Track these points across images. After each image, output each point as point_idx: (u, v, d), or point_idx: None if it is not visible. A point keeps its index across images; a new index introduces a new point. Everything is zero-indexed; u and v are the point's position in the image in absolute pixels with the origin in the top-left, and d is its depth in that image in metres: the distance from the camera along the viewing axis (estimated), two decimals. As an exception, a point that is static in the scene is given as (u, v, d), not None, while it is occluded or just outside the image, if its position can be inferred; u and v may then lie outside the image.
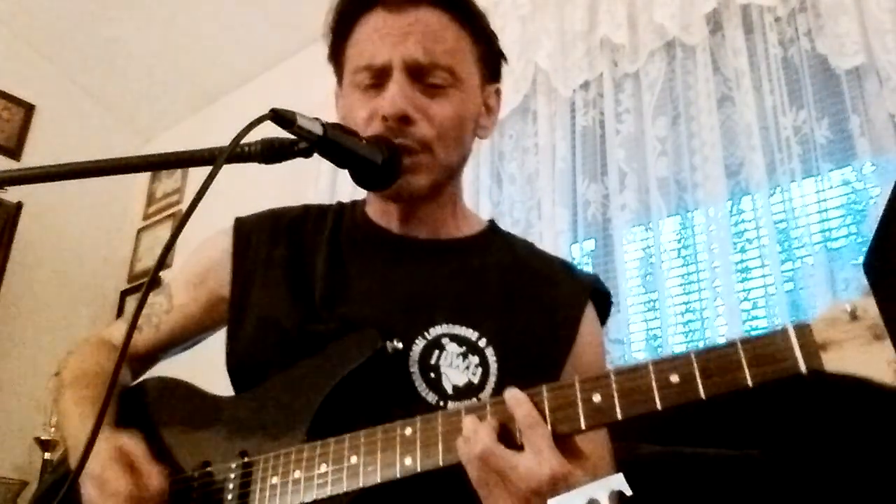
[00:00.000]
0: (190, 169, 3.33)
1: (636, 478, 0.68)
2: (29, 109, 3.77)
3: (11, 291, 3.45)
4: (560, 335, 1.04)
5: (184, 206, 3.72)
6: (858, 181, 1.88)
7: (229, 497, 0.93)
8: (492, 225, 1.20)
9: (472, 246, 1.13)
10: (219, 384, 1.07)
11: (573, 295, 1.08)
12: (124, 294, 3.81)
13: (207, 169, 0.80)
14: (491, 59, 1.14)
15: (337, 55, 1.12)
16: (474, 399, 0.95)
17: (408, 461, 0.82)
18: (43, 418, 3.20)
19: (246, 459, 0.94)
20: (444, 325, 1.00)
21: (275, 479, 0.90)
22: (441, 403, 0.95)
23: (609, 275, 2.11)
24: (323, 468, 0.87)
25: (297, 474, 0.88)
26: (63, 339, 3.38)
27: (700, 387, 0.73)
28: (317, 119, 0.90)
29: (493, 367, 0.98)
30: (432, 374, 0.97)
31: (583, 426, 0.78)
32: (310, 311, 1.04)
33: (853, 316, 0.69)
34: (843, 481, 1.12)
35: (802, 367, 0.70)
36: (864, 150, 1.80)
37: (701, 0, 2.13)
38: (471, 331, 1.00)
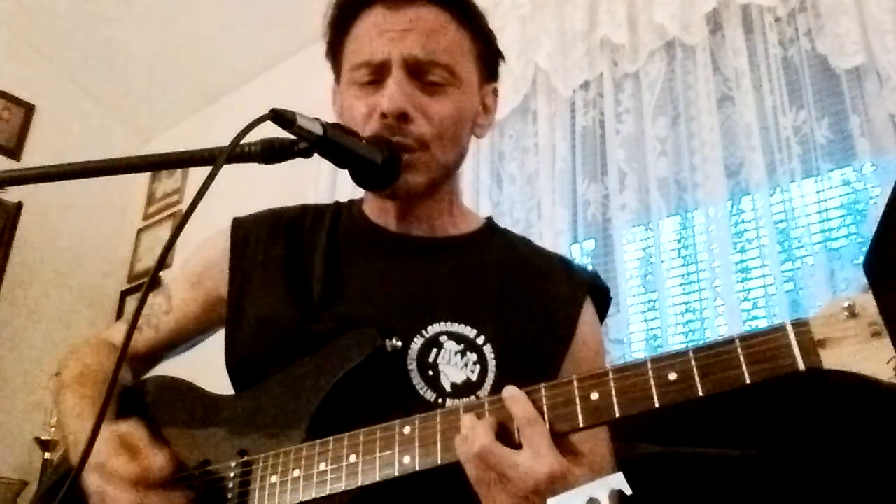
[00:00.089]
0: (190, 169, 3.33)
1: (636, 478, 0.68)
2: (29, 109, 3.77)
3: (11, 292, 3.45)
4: (558, 332, 1.04)
5: (184, 206, 3.72)
6: (858, 181, 1.89)
7: (229, 496, 0.93)
8: (489, 222, 1.20)
9: (470, 243, 1.13)
10: (219, 384, 1.07)
11: (571, 291, 1.08)
12: (124, 294, 3.81)
13: (207, 169, 0.80)
14: (489, 58, 1.14)
15: (335, 51, 1.12)
16: (473, 397, 0.95)
17: (406, 460, 0.83)
18: (43, 418, 3.20)
19: (245, 458, 0.94)
20: (442, 323, 1.00)
21: (274, 478, 0.90)
22: (439, 401, 0.96)
23: (609, 275, 2.11)
24: (322, 467, 0.87)
25: (297, 473, 0.88)
26: (63, 339, 3.39)
27: (698, 385, 0.73)
28: (317, 119, 0.90)
29: (492, 364, 0.98)
30: (431, 372, 0.97)
31: (581, 424, 0.78)
32: (308, 311, 1.04)
33: (852, 313, 0.69)
34: (843, 480, 1.12)
35: (801, 365, 0.70)
36: (864, 150, 1.80)
37: (701, 0, 2.13)
38: (469, 328, 1.00)
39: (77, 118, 3.89)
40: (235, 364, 1.08)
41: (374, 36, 1.04)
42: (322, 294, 1.05)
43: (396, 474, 0.83)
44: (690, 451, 1.29)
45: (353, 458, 0.85)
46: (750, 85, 2.01)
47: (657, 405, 0.74)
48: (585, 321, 1.06)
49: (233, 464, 0.94)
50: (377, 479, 0.84)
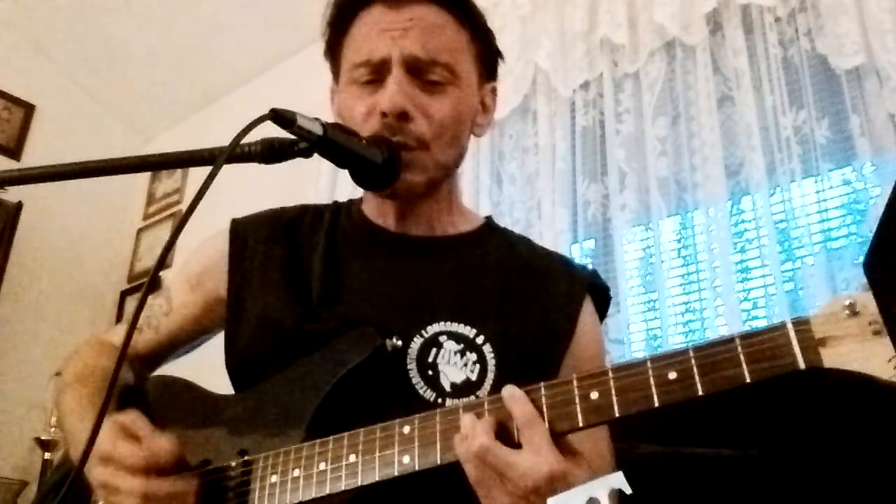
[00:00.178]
0: (190, 169, 3.33)
1: (636, 478, 0.68)
2: (29, 109, 3.77)
3: (11, 292, 3.45)
4: (558, 331, 1.04)
5: (184, 206, 3.72)
6: (858, 181, 1.88)
7: (229, 495, 0.93)
8: (489, 221, 1.20)
9: (469, 243, 1.13)
10: (219, 384, 1.07)
11: (571, 290, 1.08)
12: (124, 294, 3.81)
13: (207, 169, 0.80)
14: (488, 57, 1.14)
15: (334, 51, 1.12)
16: (472, 396, 0.95)
17: (406, 460, 0.83)
18: (43, 418, 3.21)
19: (246, 458, 0.94)
20: (442, 323, 1.00)
21: (274, 478, 0.90)
22: (439, 401, 0.96)
23: (609, 275, 2.11)
24: (322, 466, 0.87)
25: (297, 473, 0.88)
26: (63, 339, 3.39)
27: (698, 384, 0.73)
28: (317, 119, 0.90)
29: (491, 364, 0.98)
30: (430, 372, 0.97)
31: (581, 424, 0.78)
32: (308, 311, 1.04)
33: (853, 311, 0.69)
34: (843, 479, 1.12)
35: (801, 364, 0.69)
36: (864, 150, 1.80)
37: (701, 0, 2.13)
38: (468, 328, 1.00)
39: (77, 118, 3.89)
40: (235, 364, 1.08)
41: (373, 35, 1.04)
42: (321, 294, 1.05)
43: (396, 474, 0.83)
44: (690, 451, 1.29)
45: (352, 457, 0.86)
46: (750, 85, 2.01)
47: (657, 404, 0.74)
48: (585, 320, 1.06)
49: (233, 463, 0.94)
50: (377, 478, 0.84)
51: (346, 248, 1.12)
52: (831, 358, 0.69)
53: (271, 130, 0.86)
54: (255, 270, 1.11)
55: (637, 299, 2.15)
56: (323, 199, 2.64)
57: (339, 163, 0.97)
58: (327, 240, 1.12)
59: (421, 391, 0.96)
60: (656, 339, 2.07)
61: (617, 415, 0.76)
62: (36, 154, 3.68)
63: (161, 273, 2.67)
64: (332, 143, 0.91)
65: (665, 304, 2.04)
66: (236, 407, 1.02)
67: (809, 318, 0.71)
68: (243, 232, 1.16)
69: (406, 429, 0.84)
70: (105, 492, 0.90)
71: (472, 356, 0.98)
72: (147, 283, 0.81)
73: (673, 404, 0.74)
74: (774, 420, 1.22)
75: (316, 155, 0.91)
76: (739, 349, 0.72)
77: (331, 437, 0.88)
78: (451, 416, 0.82)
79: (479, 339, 0.99)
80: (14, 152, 3.67)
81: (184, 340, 1.20)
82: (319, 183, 2.81)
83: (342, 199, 1.25)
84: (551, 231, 2.26)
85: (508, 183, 2.46)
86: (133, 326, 0.81)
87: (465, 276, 1.06)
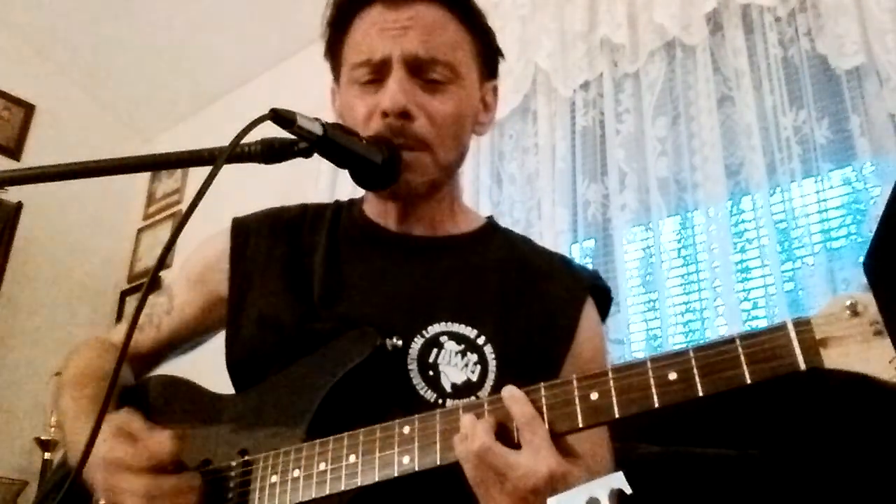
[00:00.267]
0: (190, 169, 3.33)
1: (636, 478, 0.68)
2: (29, 109, 3.77)
3: (11, 291, 3.45)
4: (559, 332, 1.04)
5: (184, 206, 3.72)
6: (858, 181, 1.88)
7: (229, 495, 0.93)
8: (490, 221, 1.20)
9: (471, 243, 1.13)
10: (219, 383, 1.07)
11: (572, 291, 1.08)
12: (124, 294, 3.81)
13: (207, 169, 0.80)
14: (489, 55, 1.14)
15: (334, 51, 1.12)
16: (473, 397, 0.95)
17: (406, 460, 0.82)
18: (43, 418, 3.20)
19: (246, 458, 0.94)
20: (443, 323, 1.00)
21: (274, 478, 0.90)
22: (440, 401, 0.95)
23: (609, 275, 2.11)
24: (322, 467, 0.87)
25: (297, 473, 0.88)
26: (63, 339, 3.38)
27: (698, 384, 0.73)
28: (317, 119, 0.90)
29: (492, 364, 0.98)
30: (431, 373, 0.97)
31: (580, 424, 0.77)
32: (309, 310, 1.04)
33: (854, 312, 0.69)
34: (843, 480, 1.12)
35: (802, 365, 0.69)
36: (864, 150, 1.80)
37: (701, 0, 2.13)
38: (469, 328, 1.00)
39: (77, 118, 3.89)
40: (236, 363, 1.08)
41: (373, 34, 1.04)
42: (322, 293, 1.05)
43: (396, 474, 0.83)
44: (690, 451, 1.29)
45: (352, 458, 0.85)
46: (750, 85, 2.01)
47: (657, 405, 0.74)
48: (587, 321, 1.06)
49: (233, 463, 0.94)
50: (376, 479, 0.84)
51: (347, 248, 1.12)
52: (832, 358, 0.69)
53: (271, 130, 0.86)
54: (257, 270, 1.11)
55: (637, 299, 2.15)
56: (323, 199, 2.64)
57: (339, 163, 0.97)
58: (328, 239, 1.12)
59: (421, 392, 0.96)
60: (656, 339, 2.07)
61: (617, 415, 0.76)
62: (36, 154, 3.68)
63: (161, 273, 2.67)
64: (332, 143, 0.91)
65: (665, 304, 2.04)
66: (236, 407, 1.02)
67: (810, 318, 0.71)
68: (245, 231, 1.16)
69: (406, 429, 0.84)
70: (108, 494, 0.90)
71: (473, 357, 0.98)
72: (147, 283, 0.81)
73: (673, 405, 0.74)
74: (775, 420, 1.22)
75: (316, 155, 0.91)
76: (740, 350, 0.72)
77: (331, 438, 0.88)
78: (451, 416, 0.82)
79: (480, 340, 0.99)
80: (14, 152, 3.66)
81: (185, 339, 1.20)
82: (319, 183, 2.81)
83: (342, 199, 1.25)
84: (551, 231, 2.26)
85: (508, 183, 2.46)
86: (132, 327, 0.81)
87: (466, 276, 1.06)
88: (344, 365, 0.94)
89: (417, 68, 1.03)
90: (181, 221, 0.79)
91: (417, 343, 0.99)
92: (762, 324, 1.94)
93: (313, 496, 0.86)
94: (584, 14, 2.36)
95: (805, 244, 1.86)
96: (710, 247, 2.00)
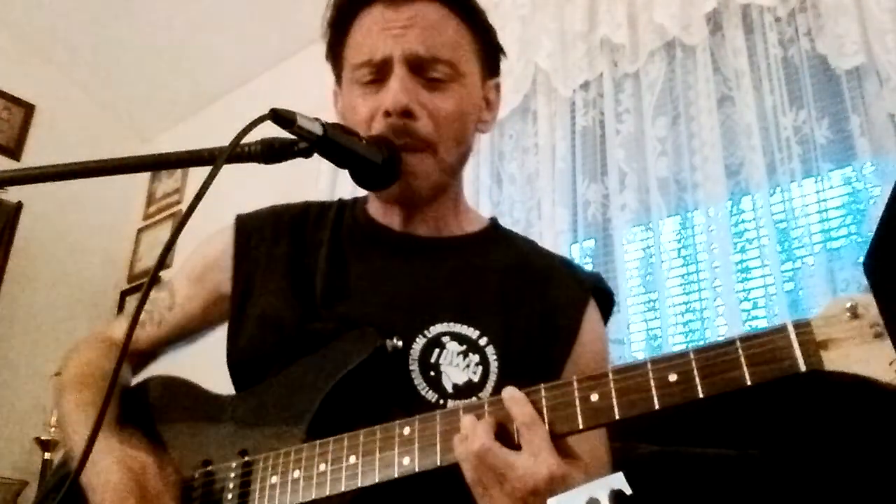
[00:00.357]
0: (190, 169, 3.33)
1: (636, 478, 0.68)
2: (29, 109, 3.77)
3: (11, 291, 3.45)
4: (561, 333, 1.03)
5: (184, 206, 3.72)
6: (858, 181, 1.88)
7: (229, 496, 0.93)
8: (493, 223, 1.20)
9: (474, 244, 1.13)
10: (219, 383, 1.07)
11: (575, 293, 1.07)
12: (124, 294, 3.81)
13: (207, 169, 0.80)
14: (490, 52, 1.14)
15: (335, 53, 1.12)
16: (474, 398, 0.95)
17: (406, 461, 0.82)
18: (43, 418, 3.20)
19: (246, 459, 0.94)
20: (445, 324, 1.00)
21: (274, 479, 0.90)
22: (441, 402, 0.95)
23: (609, 275, 2.11)
24: (322, 468, 0.87)
25: (297, 474, 0.88)
26: (63, 339, 3.37)
27: (699, 386, 0.73)
28: (317, 119, 0.90)
29: (494, 365, 0.97)
30: (432, 373, 0.97)
31: (581, 426, 0.77)
32: (310, 310, 1.04)
33: (854, 314, 0.69)
34: (843, 481, 1.12)
35: (802, 366, 0.69)
36: (864, 150, 1.80)
37: (701, 0, 2.13)
38: (471, 329, 0.99)
39: (77, 118, 3.89)
40: (237, 363, 1.08)
41: (374, 34, 1.04)
42: (325, 292, 1.05)
43: (396, 475, 0.83)
44: (690, 451, 1.29)
45: (352, 459, 0.85)
46: (750, 85, 2.01)
47: (657, 406, 0.74)
48: (589, 324, 1.06)
49: (233, 464, 0.94)
50: (377, 480, 0.84)
51: (350, 247, 1.12)
52: (832, 360, 0.69)
53: (271, 130, 0.86)
54: (259, 269, 1.11)
55: (637, 299, 2.15)
56: (323, 198, 2.64)
57: (339, 163, 0.97)
58: (332, 238, 1.12)
59: (423, 392, 0.96)
60: (656, 340, 2.07)
61: (617, 417, 0.76)
62: (36, 154, 3.68)
63: (161, 273, 2.67)
64: (332, 143, 0.91)
65: (665, 304, 2.04)
66: (237, 407, 1.02)
67: (810, 320, 0.71)
68: (248, 229, 1.16)
69: (406, 430, 0.84)
70: None
71: (475, 357, 0.98)
72: (147, 283, 0.81)
73: (673, 406, 0.74)
74: (775, 421, 1.22)
75: (316, 155, 0.91)
76: (740, 351, 0.72)
77: (331, 439, 0.88)
78: (451, 417, 0.82)
79: (482, 341, 0.99)
80: (14, 152, 3.66)
81: (185, 335, 1.20)
82: (319, 183, 2.81)
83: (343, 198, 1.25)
84: (551, 231, 2.26)
85: (508, 183, 2.46)
86: (132, 328, 0.81)
87: (469, 276, 1.06)
88: (344, 366, 0.93)
89: (419, 67, 1.02)
90: (181, 221, 0.79)
91: (419, 343, 0.99)
92: (762, 324, 1.94)
93: (313, 497, 0.86)
94: (584, 14, 2.36)
95: (805, 244, 1.86)
96: (710, 247, 2.00)
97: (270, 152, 0.87)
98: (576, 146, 2.34)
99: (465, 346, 0.98)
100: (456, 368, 0.97)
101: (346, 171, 0.99)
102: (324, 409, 0.92)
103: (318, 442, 0.89)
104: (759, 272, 1.95)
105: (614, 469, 0.70)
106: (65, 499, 0.86)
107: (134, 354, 1.18)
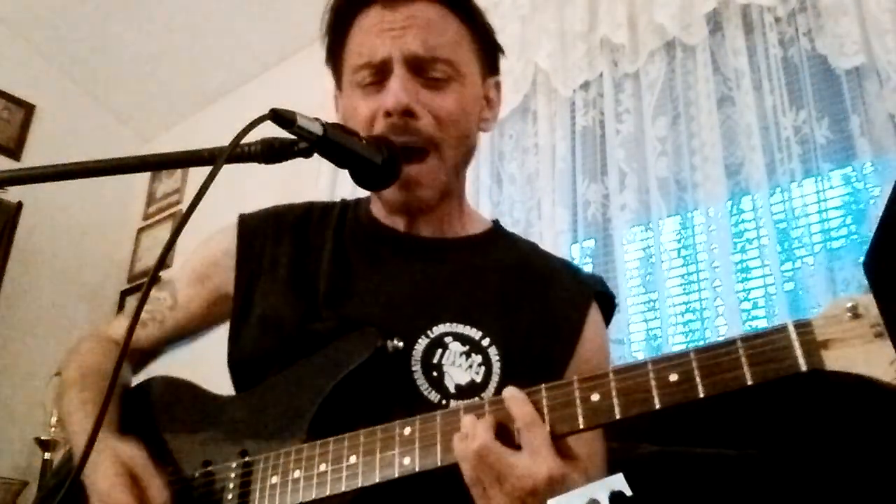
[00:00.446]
0: (190, 169, 3.33)
1: (636, 478, 0.68)
2: (29, 109, 3.77)
3: (11, 291, 3.45)
4: (563, 335, 1.04)
5: (184, 206, 3.72)
6: (858, 181, 1.88)
7: (229, 497, 0.93)
8: (496, 225, 1.20)
9: (477, 245, 1.13)
10: (219, 383, 1.07)
11: (577, 296, 1.08)
12: (124, 294, 3.81)
13: (207, 169, 0.80)
14: (489, 51, 1.14)
15: (335, 57, 1.12)
16: (477, 398, 0.95)
17: (406, 461, 0.82)
18: (43, 418, 3.20)
19: (246, 459, 0.94)
20: (448, 324, 1.00)
21: (275, 479, 0.90)
22: (443, 402, 0.95)
23: (609, 275, 2.11)
24: (322, 468, 0.87)
25: (297, 474, 0.88)
26: (63, 339, 3.38)
27: (699, 386, 0.73)
28: (317, 119, 0.90)
29: (496, 366, 0.98)
30: (435, 373, 0.97)
31: (581, 426, 0.77)
32: (312, 310, 1.04)
33: (855, 314, 0.69)
34: (843, 481, 1.12)
35: (803, 366, 0.69)
36: (864, 150, 1.80)
37: (701, 0, 2.13)
38: (474, 330, 1.00)
39: (77, 118, 3.89)
40: (237, 363, 1.08)
41: (373, 36, 1.04)
42: (328, 292, 1.05)
43: (396, 475, 0.83)
44: (690, 451, 1.29)
45: (353, 458, 0.85)
46: (750, 85, 2.01)
47: (658, 406, 0.74)
48: (591, 326, 1.06)
49: (234, 464, 0.94)
50: (377, 480, 0.84)
51: (354, 248, 1.12)
52: (833, 360, 0.69)
53: (271, 130, 0.86)
54: (262, 269, 1.11)
55: (637, 299, 2.15)
56: (323, 199, 2.64)
57: (339, 163, 0.97)
58: (335, 239, 1.12)
59: (425, 392, 0.96)
60: (656, 339, 2.07)
61: (618, 417, 0.76)
62: (36, 154, 3.68)
63: (161, 273, 2.67)
64: (332, 143, 0.91)
65: (665, 304, 2.04)
66: (237, 408, 1.02)
67: (811, 320, 0.71)
68: (251, 229, 1.16)
69: (407, 430, 0.84)
70: None
71: (478, 358, 0.98)
72: (147, 283, 0.81)
73: (673, 406, 0.74)
74: (776, 421, 1.22)
75: (316, 155, 0.91)
76: (741, 351, 0.72)
77: (331, 439, 0.88)
78: (452, 417, 0.82)
79: (485, 342, 0.99)
80: (14, 152, 3.66)
81: (186, 334, 1.20)
82: (319, 183, 2.81)
83: (344, 198, 1.25)
84: (551, 231, 2.26)
85: (508, 183, 2.46)
86: (132, 328, 0.81)
87: (471, 278, 1.06)
88: (345, 366, 0.94)
89: (419, 67, 1.02)
90: (181, 221, 0.79)
91: (422, 344, 0.99)
92: (762, 324, 1.94)
93: (314, 497, 0.87)
94: (584, 14, 2.36)
95: (805, 244, 1.86)
96: (710, 247, 2.00)
97: (270, 152, 0.87)
98: (576, 146, 2.34)
99: (467, 347, 0.98)
100: (458, 369, 0.97)
101: (346, 171, 0.99)
102: (324, 409, 0.92)
103: (318, 442, 0.89)
104: (759, 272, 1.95)
105: (614, 469, 0.70)
106: (65, 498, 0.86)
107: (135, 353, 1.18)
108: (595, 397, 0.77)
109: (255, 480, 0.92)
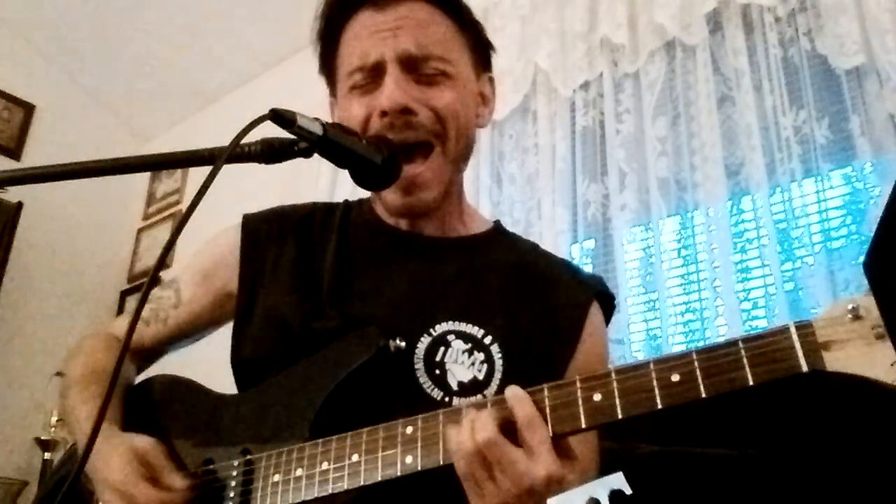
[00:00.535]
0: (190, 169, 3.33)
1: (636, 478, 0.68)
2: (29, 109, 3.77)
3: (11, 291, 3.45)
4: (564, 335, 1.04)
5: (184, 206, 3.72)
6: (858, 181, 1.89)
7: (231, 495, 0.93)
8: (497, 225, 1.20)
9: (479, 244, 1.13)
10: (219, 383, 1.07)
11: (577, 296, 1.08)
12: (124, 294, 3.81)
13: (207, 169, 0.80)
14: (480, 48, 1.15)
15: (328, 64, 1.13)
16: (479, 395, 0.95)
17: (409, 459, 0.83)
18: (43, 418, 3.21)
19: (248, 457, 0.94)
20: (450, 322, 1.00)
21: (276, 477, 0.90)
22: (446, 399, 0.96)
23: (609, 275, 2.11)
24: (324, 466, 0.87)
25: (299, 472, 0.88)
26: (63, 339, 3.38)
27: (701, 386, 0.73)
28: (317, 119, 0.90)
29: (499, 364, 0.98)
30: (437, 371, 0.97)
31: (583, 425, 0.78)
32: (315, 309, 1.04)
33: (856, 315, 0.69)
34: (843, 481, 1.12)
35: (804, 367, 0.70)
36: (864, 150, 1.80)
37: (701, 0, 2.13)
38: (476, 328, 1.00)
39: (77, 118, 3.89)
40: (240, 361, 1.08)
41: (364, 38, 1.04)
42: (332, 290, 1.06)
43: (399, 474, 0.83)
44: (690, 451, 1.29)
45: (355, 457, 0.86)
46: (750, 85, 2.01)
47: (660, 406, 0.74)
48: (591, 325, 1.07)
49: (235, 463, 0.95)
50: (379, 478, 0.84)
51: (357, 247, 1.12)
52: (834, 361, 0.69)
53: (271, 130, 0.86)
54: (266, 268, 1.12)
55: (637, 299, 2.15)
56: (322, 199, 2.64)
57: (339, 163, 0.97)
58: (339, 238, 1.13)
59: (428, 390, 0.97)
60: (656, 339, 2.07)
61: (620, 416, 0.76)
62: (36, 154, 3.68)
63: (161, 273, 2.67)
64: (332, 143, 0.91)
65: (665, 304, 2.04)
66: (239, 406, 1.02)
67: (812, 321, 0.71)
68: (255, 228, 1.16)
69: (409, 429, 0.84)
70: None
71: (480, 356, 0.98)
72: (147, 283, 0.81)
73: (675, 406, 0.74)
74: (776, 421, 1.22)
75: (316, 155, 0.91)
76: (742, 352, 0.72)
77: (333, 437, 0.88)
78: (454, 415, 0.82)
79: (487, 339, 0.99)
80: (14, 152, 3.67)
81: (189, 333, 1.20)
82: (319, 183, 2.81)
83: (341, 199, 1.25)
84: (551, 231, 2.26)
85: (508, 183, 2.46)
86: (132, 328, 0.81)
87: (473, 277, 1.07)
88: (347, 365, 0.94)
89: (412, 66, 1.03)
90: (181, 221, 0.79)
91: (425, 342, 0.99)
92: (762, 324, 1.94)
93: (316, 495, 0.87)
94: (584, 14, 2.36)
95: (805, 244, 1.86)
96: (710, 247, 2.00)
97: (270, 152, 0.87)
98: (576, 146, 2.34)
99: (470, 345, 0.99)
100: (461, 366, 0.98)
101: (346, 171, 0.99)
102: (327, 408, 0.93)
103: (320, 440, 0.89)
104: (759, 272, 1.95)
105: (614, 469, 0.70)
106: (65, 499, 0.86)
107: (139, 352, 1.18)
108: (597, 397, 0.77)
109: (257, 479, 0.92)
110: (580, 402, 0.78)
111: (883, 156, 1.79)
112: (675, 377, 0.74)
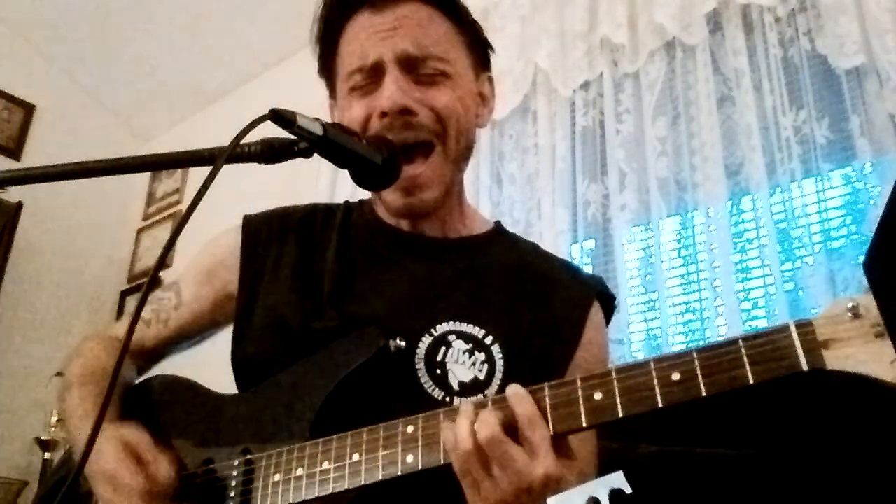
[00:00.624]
0: (190, 169, 3.33)
1: (636, 478, 0.68)
2: (29, 109, 3.77)
3: (11, 291, 3.45)
4: (564, 336, 1.04)
5: (184, 206, 3.72)
6: (858, 181, 1.89)
7: (232, 494, 0.93)
8: (498, 226, 1.21)
9: (479, 245, 1.13)
10: (220, 383, 1.07)
11: (578, 296, 1.08)
12: (124, 294, 3.81)
13: (207, 169, 0.80)
14: (479, 48, 1.15)
15: (327, 66, 1.13)
16: (480, 395, 0.95)
17: (409, 459, 0.83)
18: (43, 418, 3.21)
19: (248, 457, 0.94)
20: (451, 323, 1.00)
21: (277, 477, 0.90)
22: (447, 399, 0.96)
23: (609, 275, 2.11)
24: (325, 466, 0.87)
25: (300, 472, 0.88)
26: (63, 339, 3.39)
27: (701, 385, 0.73)
28: (317, 119, 0.90)
29: (500, 364, 0.98)
30: (438, 371, 0.98)
31: (584, 424, 0.78)
32: (316, 309, 1.04)
33: (855, 314, 0.69)
34: (843, 481, 1.12)
35: (804, 366, 0.70)
36: (864, 150, 1.80)
37: (701, 0, 2.13)
38: (477, 328, 1.00)
39: (77, 118, 3.89)
40: (241, 362, 1.08)
41: (363, 39, 1.04)
42: (333, 290, 1.06)
43: (399, 473, 0.83)
44: (690, 451, 1.29)
45: (355, 456, 0.86)
46: (750, 85, 2.01)
47: (661, 405, 0.74)
48: (591, 326, 1.07)
49: (236, 462, 0.95)
50: (380, 478, 0.84)
51: (358, 247, 1.12)
52: (834, 360, 0.69)
53: (271, 130, 0.86)
54: (267, 269, 1.12)
55: (637, 299, 2.15)
56: (322, 199, 2.64)
57: (339, 163, 0.97)
58: (339, 238, 1.13)
59: (429, 390, 0.97)
60: (656, 339, 2.07)
61: (620, 415, 0.76)
62: (36, 154, 3.68)
63: (161, 273, 2.67)
64: (332, 143, 0.91)
65: (665, 304, 2.04)
66: (239, 406, 1.02)
67: (812, 320, 0.71)
68: (256, 229, 1.16)
69: (409, 428, 0.84)
70: None
71: (481, 356, 0.98)
72: (147, 283, 0.81)
73: (675, 405, 0.74)
74: (777, 421, 1.22)
75: (316, 155, 0.91)
76: (743, 351, 0.72)
77: (334, 437, 0.88)
78: (454, 414, 0.82)
79: (488, 340, 0.99)
80: (14, 152, 3.66)
81: (191, 334, 1.20)
82: (319, 183, 2.81)
83: (341, 199, 1.25)
84: (551, 231, 2.26)
85: (508, 183, 2.46)
86: (132, 327, 0.81)
87: (474, 277, 1.07)
88: (347, 365, 0.94)
89: (411, 66, 1.03)
90: (181, 221, 0.79)
91: (425, 342, 0.99)
92: (762, 324, 1.94)
93: (316, 495, 0.87)
94: (584, 14, 2.36)
95: (805, 244, 1.86)
96: (710, 247, 2.00)
97: (270, 152, 0.87)
98: (576, 146, 2.34)
99: (470, 345, 0.99)
100: (462, 366, 0.98)
101: (346, 171, 0.99)
102: (327, 408, 0.93)
103: (320, 440, 0.89)
104: (759, 272, 1.95)
105: (614, 469, 0.70)
106: (64, 499, 0.86)
107: (140, 354, 1.18)
108: (598, 396, 0.77)
109: (258, 478, 0.92)
110: (581, 400, 0.78)
111: (883, 156, 1.79)
112: (676, 376, 0.74)
